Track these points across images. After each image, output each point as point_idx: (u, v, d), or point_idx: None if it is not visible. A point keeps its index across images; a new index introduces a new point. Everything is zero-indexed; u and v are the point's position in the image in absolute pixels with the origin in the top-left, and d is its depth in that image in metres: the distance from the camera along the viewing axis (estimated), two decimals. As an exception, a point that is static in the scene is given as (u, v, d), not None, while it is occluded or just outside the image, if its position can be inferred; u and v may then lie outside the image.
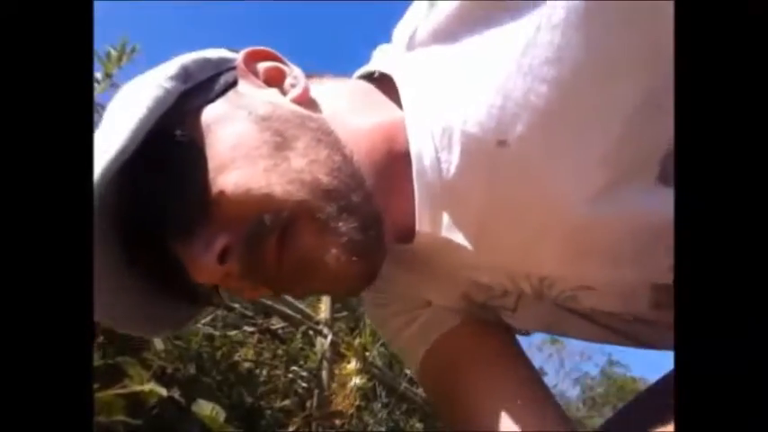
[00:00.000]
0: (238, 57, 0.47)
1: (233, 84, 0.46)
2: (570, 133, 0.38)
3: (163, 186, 0.41)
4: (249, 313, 1.68)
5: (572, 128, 0.38)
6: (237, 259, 0.40)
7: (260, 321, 1.71)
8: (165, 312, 0.46)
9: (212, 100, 0.44)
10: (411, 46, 0.45)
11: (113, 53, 0.81)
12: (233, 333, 1.51)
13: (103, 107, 0.83)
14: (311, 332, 1.96)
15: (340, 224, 0.41)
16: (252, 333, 1.64)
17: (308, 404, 1.82)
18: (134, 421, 0.51)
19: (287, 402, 1.59)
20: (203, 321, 1.41)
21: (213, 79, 0.45)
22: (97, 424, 0.49)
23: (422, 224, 0.44)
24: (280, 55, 0.48)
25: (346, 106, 0.47)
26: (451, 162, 0.41)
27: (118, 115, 0.41)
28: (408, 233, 0.45)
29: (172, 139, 0.41)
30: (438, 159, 0.42)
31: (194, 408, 0.69)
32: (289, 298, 1.92)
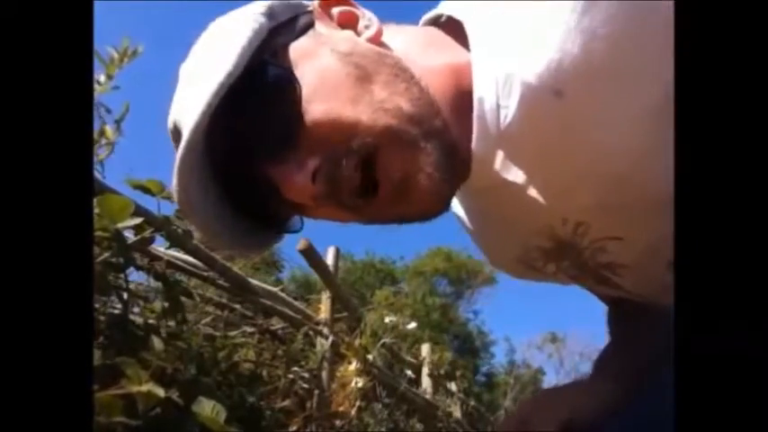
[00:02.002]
0: (314, 1, 0.51)
1: (311, 25, 0.50)
2: (621, 88, 0.41)
3: (259, 114, 0.45)
4: (249, 314, 1.68)
5: (623, 83, 0.41)
6: (325, 181, 0.44)
7: (260, 322, 1.70)
8: (252, 235, 0.51)
9: (296, 38, 0.48)
10: None
11: (115, 55, 0.81)
12: (233, 333, 1.51)
13: (106, 108, 0.83)
14: (312, 333, 1.96)
15: (427, 145, 0.45)
16: (252, 334, 1.64)
17: (308, 405, 1.82)
18: (133, 422, 0.51)
19: (287, 403, 1.59)
20: (204, 322, 1.41)
21: (294, 20, 0.49)
22: (96, 424, 0.49)
23: (476, 161, 0.48)
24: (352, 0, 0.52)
25: (416, 47, 0.50)
26: (510, 108, 0.44)
27: (218, 45, 0.45)
28: (467, 169, 0.49)
29: (266, 71, 0.45)
30: (498, 105, 0.45)
31: (195, 407, 0.69)
32: (288, 298, 1.92)
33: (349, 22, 0.51)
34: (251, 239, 0.51)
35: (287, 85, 0.44)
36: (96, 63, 0.82)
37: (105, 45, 0.83)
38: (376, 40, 0.49)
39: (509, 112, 0.45)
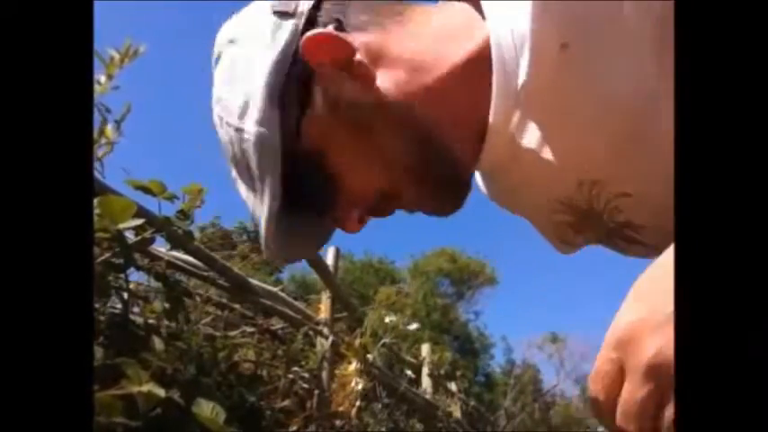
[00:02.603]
0: (300, 50, 0.52)
1: (308, 80, 0.53)
2: (624, 36, 0.44)
3: (308, 191, 0.56)
4: (249, 314, 1.68)
5: (626, 31, 0.44)
6: (366, 215, 0.59)
7: (260, 322, 1.70)
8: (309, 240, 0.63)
9: (304, 104, 0.53)
10: None
11: (116, 56, 0.81)
12: (233, 333, 1.51)
13: (107, 108, 0.83)
14: (312, 333, 1.96)
15: (432, 181, 0.54)
16: (252, 333, 1.64)
17: (308, 405, 1.82)
18: (133, 422, 0.51)
19: (287, 403, 1.59)
20: (204, 322, 1.41)
21: (293, 90, 0.53)
22: (96, 425, 0.49)
23: (495, 122, 0.51)
24: (334, 33, 0.51)
25: (425, 50, 0.53)
26: (521, 66, 0.48)
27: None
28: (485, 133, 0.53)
29: (300, 162, 0.53)
30: (516, 64, 0.48)
31: (194, 408, 0.69)
32: (288, 298, 1.92)
33: (345, 57, 0.51)
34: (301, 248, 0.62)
35: (317, 168, 0.54)
36: (97, 63, 0.82)
37: (107, 46, 0.83)
38: (368, 80, 0.51)
39: (522, 70, 0.48)
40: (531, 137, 0.52)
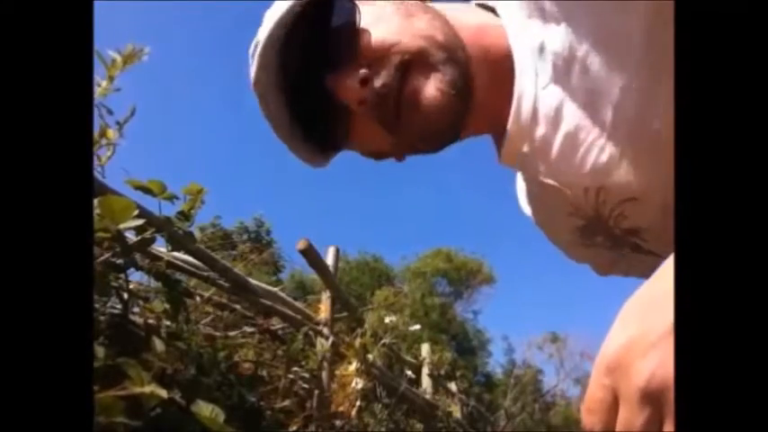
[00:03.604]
0: None
1: None
2: (620, 45, 0.49)
3: (323, 34, 0.57)
4: (250, 314, 1.68)
5: (621, 40, 0.49)
6: (371, 89, 0.55)
7: (260, 322, 1.71)
8: (313, 145, 0.63)
9: None
10: None
11: (118, 58, 0.81)
12: (233, 334, 1.51)
13: (108, 110, 0.83)
14: (312, 333, 1.96)
15: (446, 67, 0.55)
16: (252, 334, 1.64)
17: (308, 405, 1.82)
18: (134, 422, 0.51)
19: (287, 403, 1.59)
20: (204, 322, 1.41)
21: None
22: (97, 425, 0.49)
23: (515, 121, 0.56)
24: None
25: (456, 13, 0.61)
26: (546, 73, 0.54)
27: None
28: (501, 130, 0.58)
29: (337, 2, 0.57)
30: (536, 71, 0.54)
31: (194, 408, 0.69)
32: (288, 298, 1.92)
33: None
34: (307, 146, 0.62)
35: (350, 12, 0.56)
36: (98, 65, 0.82)
37: (108, 47, 0.83)
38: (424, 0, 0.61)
39: (545, 76, 0.54)
40: (542, 145, 0.55)
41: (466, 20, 0.59)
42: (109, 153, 0.82)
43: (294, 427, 1.62)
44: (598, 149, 0.53)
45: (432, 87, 0.54)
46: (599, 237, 0.63)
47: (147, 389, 0.51)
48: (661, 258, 0.39)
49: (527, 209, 0.74)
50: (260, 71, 0.56)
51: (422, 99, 0.54)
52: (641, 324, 0.34)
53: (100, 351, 0.61)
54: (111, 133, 0.81)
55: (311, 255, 2.06)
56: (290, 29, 0.56)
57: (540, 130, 0.55)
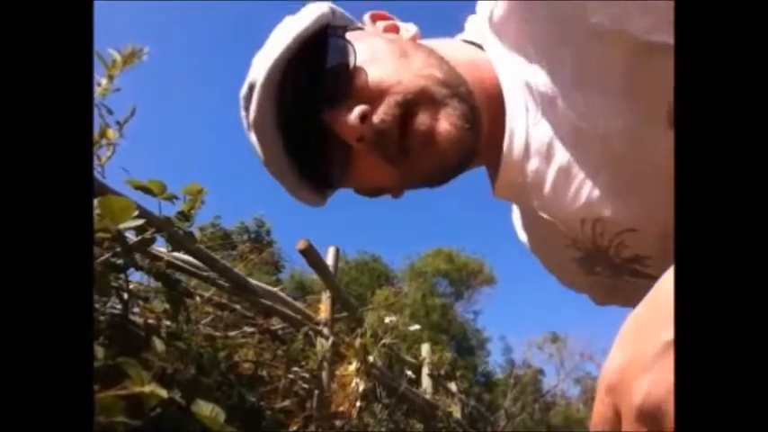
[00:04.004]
0: (363, 18, 0.64)
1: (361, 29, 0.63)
2: (603, 76, 0.49)
3: (320, 72, 0.56)
4: (250, 314, 1.68)
5: (597, 79, 0.49)
6: (370, 126, 0.54)
7: (260, 322, 1.71)
8: (309, 186, 0.62)
9: (351, 29, 0.60)
10: (491, 23, 0.59)
11: (118, 58, 0.81)
12: (233, 334, 1.51)
13: (108, 109, 0.83)
14: (312, 333, 1.96)
15: (453, 102, 0.54)
16: (252, 334, 1.64)
17: (308, 405, 1.82)
18: (134, 422, 0.51)
19: (287, 403, 1.59)
20: (204, 322, 1.41)
21: (346, 27, 0.60)
22: (97, 425, 0.49)
23: (506, 159, 0.56)
24: (393, 17, 0.65)
25: (445, 46, 0.61)
26: (536, 111, 0.54)
27: (288, 24, 0.57)
28: (495, 163, 0.58)
29: (328, 39, 0.56)
30: (526, 108, 0.55)
31: (194, 408, 0.69)
32: (288, 298, 1.92)
33: (393, 31, 0.63)
34: (303, 186, 0.62)
35: (344, 50, 0.56)
36: (99, 65, 0.82)
37: (108, 47, 0.83)
38: (414, 39, 0.61)
39: (535, 112, 0.54)
40: (538, 173, 0.56)
41: (459, 55, 0.59)
42: (109, 153, 0.82)
43: (294, 427, 1.62)
44: (591, 184, 0.53)
45: (444, 123, 0.53)
46: (598, 267, 0.63)
47: (147, 388, 0.51)
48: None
49: (523, 236, 0.73)
50: (258, 112, 0.55)
51: (436, 135, 0.53)
52: (637, 344, 0.35)
53: (100, 351, 0.61)
54: (111, 133, 0.81)
55: (311, 255, 2.06)
56: (285, 70, 0.55)
57: (533, 165, 0.55)
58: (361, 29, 0.63)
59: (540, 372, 19.04)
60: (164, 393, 0.52)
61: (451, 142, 0.54)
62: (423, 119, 0.53)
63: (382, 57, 0.56)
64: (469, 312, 20.15)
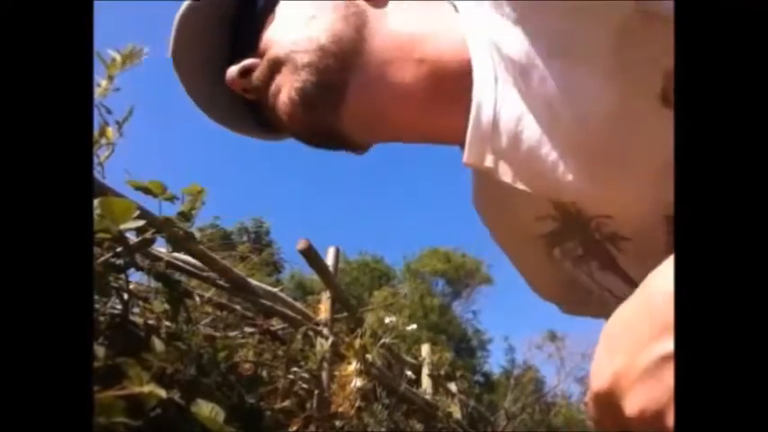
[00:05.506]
0: None
1: None
2: (585, 58, 0.45)
3: (246, 20, 0.59)
4: (249, 314, 1.68)
5: (586, 53, 0.45)
6: (254, 80, 0.56)
7: (260, 322, 1.70)
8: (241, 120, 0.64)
9: None
10: None
11: (118, 58, 0.81)
12: (233, 334, 1.51)
13: (108, 110, 0.83)
14: (311, 333, 1.96)
15: (302, 74, 0.53)
16: (252, 334, 1.64)
17: (308, 405, 1.82)
18: (134, 422, 0.51)
19: (287, 403, 1.59)
20: (204, 322, 1.41)
21: None
22: (97, 425, 0.49)
23: (473, 134, 0.51)
24: None
25: (401, 11, 0.56)
26: (501, 80, 0.50)
27: None
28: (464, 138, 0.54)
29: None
30: (495, 77, 0.50)
31: (194, 408, 0.69)
32: (288, 298, 1.92)
33: None
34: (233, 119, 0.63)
35: (265, 4, 0.58)
36: (99, 65, 0.82)
37: (108, 47, 0.83)
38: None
39: (504, 83, 0.49)
40: (504, 168, 0.51)
41: (403, 25, 0.55)
42: (108, 153, 0.82)
43: (294, 427, 1.62)
44: (562, 168, 0.49)
45: (284, 94, 0.54)
46: (569, 242, 0.59)
47: (147, 389, 0.51)
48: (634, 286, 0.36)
49: (480, 207, 0.66)
50: (178, 42, 0.59)
51: (279, 103, 0.55)
52: (629, 352, 0.32)
53: (100, 351, 0.61)
54: (111, 133, 0.81)
55: (311, 255, 2.06)
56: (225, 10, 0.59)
57: (502, 142, 0.50)
58: None
59: (541, 371, 19.03)
60: (163, 393, 0.52)
61: (287, 114, 0.55)
62: (275, 85, 0.55)
63: (289, 15, 0.57)
64: (468, 312, 20.13)
